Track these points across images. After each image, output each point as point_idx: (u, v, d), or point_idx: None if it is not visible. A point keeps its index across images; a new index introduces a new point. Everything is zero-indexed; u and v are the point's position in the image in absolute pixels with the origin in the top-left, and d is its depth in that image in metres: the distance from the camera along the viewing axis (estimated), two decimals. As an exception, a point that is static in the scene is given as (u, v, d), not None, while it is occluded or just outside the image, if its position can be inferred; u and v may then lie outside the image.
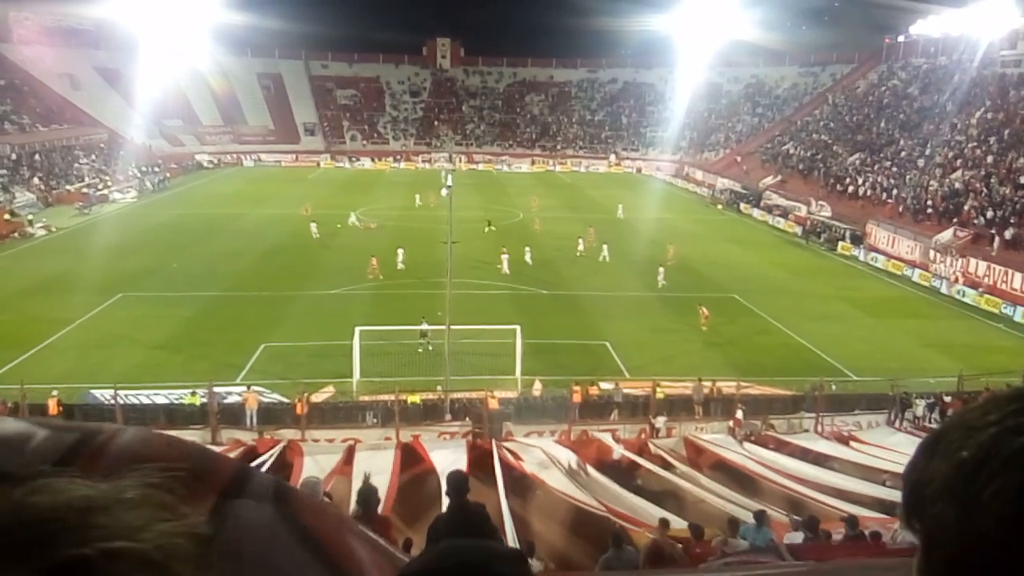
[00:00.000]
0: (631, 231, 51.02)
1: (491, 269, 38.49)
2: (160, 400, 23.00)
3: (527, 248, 40.69)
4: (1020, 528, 0.65)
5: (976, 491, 0.68)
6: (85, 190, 60.08)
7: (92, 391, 23.08)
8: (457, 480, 5.85)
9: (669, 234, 48.43)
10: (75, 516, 0.62)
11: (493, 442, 18.61)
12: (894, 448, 19.65)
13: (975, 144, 53.14)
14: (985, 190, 46.26)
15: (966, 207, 45.23)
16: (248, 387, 22.84)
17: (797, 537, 11.63)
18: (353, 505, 6.45)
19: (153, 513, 0.66)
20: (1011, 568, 0.65)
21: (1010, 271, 36.99)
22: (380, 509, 8.22)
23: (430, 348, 26.76)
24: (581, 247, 43.24)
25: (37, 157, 63.30)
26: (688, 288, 35.79)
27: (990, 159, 50.12)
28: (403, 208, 57.89)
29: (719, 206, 67.34)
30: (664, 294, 35.31)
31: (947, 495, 0.70)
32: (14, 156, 61.14)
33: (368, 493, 5.71)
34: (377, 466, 16.35)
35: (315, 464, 16.64)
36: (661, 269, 37.38)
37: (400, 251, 38.97)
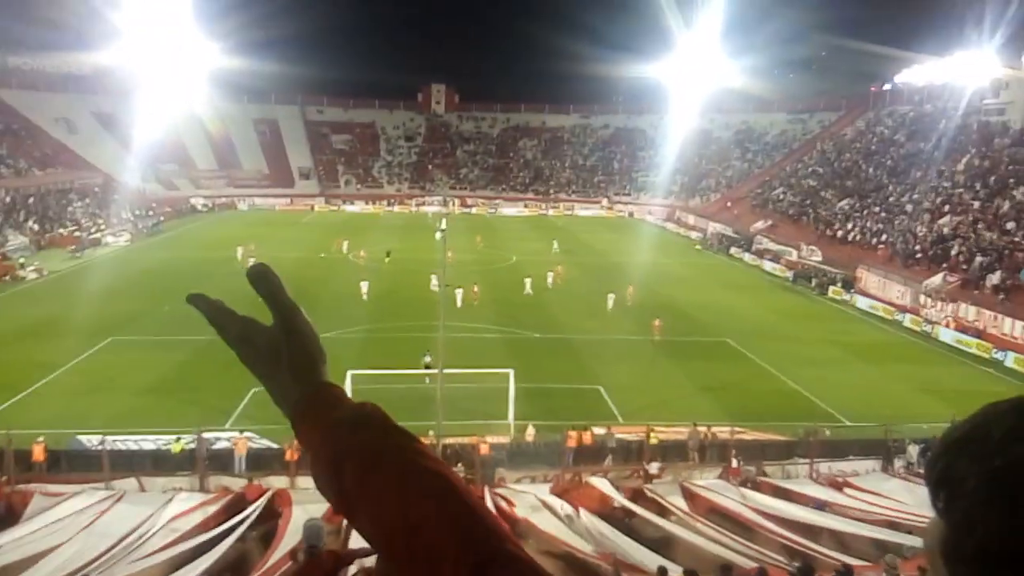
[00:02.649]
0: (614, 273, 50.97)
1: (476, 310, 38.78)
2: (148, 446, 22.71)
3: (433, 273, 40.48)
4: None
5: (1019, 498, 0.76)
6: (78, 233, 60.18)
7: (78, 437, 22.82)
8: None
9: (659, 277, 48.79)
10: None
11: (485, 488, 18.45)
12: (888, 495, 19.54)
13: (962, 190, 53.82)
14: (973, 235, 46.71)
15: (954, 252, 45.58)
16: (241, 432, 22.61)
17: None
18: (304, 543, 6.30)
19: None
20: None
21: (999, 316, 37.18)
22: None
23: (428, 381, 26.30)
24: (550, 282, 46.31)
25: (31, 200, 63.38)
26: (680, 332, 35.85)
27: (976, 204, 50.71)
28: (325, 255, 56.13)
29: (709, 250, 67.76)
30: (656, 338, 35.29)
31: (986, 496, 0.79)
32: (8, 199, 61.20)
33: (315, 529, 5.65)
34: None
35: (304, 513, 16.38)
36: (611, 296, 40.65)
37: (364, 284, 41.27)
